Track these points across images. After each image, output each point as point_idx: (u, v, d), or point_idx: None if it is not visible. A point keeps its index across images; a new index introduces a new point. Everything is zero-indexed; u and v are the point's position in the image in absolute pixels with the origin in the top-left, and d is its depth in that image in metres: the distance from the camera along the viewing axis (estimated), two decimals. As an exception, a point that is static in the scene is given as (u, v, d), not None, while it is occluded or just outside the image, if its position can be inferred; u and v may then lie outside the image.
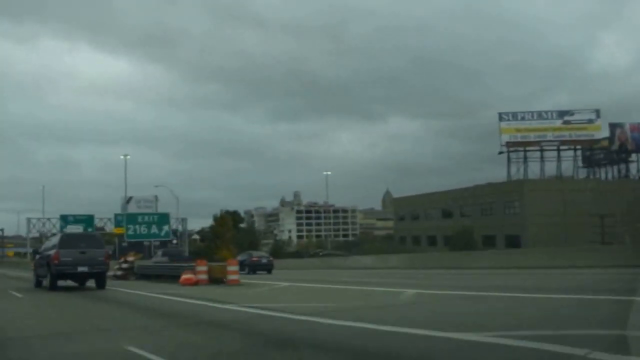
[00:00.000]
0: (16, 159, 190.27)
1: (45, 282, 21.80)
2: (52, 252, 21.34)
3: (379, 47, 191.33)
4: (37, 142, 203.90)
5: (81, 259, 21.11)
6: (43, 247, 24.88)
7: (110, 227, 65.64)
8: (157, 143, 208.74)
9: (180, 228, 71.39)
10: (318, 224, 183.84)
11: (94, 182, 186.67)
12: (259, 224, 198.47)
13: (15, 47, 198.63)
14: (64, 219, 60.71)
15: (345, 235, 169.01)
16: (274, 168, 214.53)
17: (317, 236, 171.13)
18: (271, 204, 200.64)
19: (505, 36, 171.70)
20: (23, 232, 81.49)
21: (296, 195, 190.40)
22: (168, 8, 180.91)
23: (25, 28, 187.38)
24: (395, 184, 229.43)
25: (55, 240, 22.55)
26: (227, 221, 58.41)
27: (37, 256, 24.21)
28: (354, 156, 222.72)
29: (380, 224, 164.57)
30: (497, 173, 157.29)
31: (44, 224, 63.88)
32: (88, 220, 62.06)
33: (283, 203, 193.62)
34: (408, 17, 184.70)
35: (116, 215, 66.25)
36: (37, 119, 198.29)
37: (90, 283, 22.24)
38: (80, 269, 21.10)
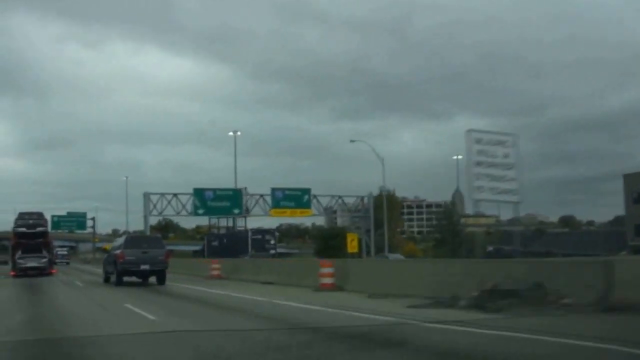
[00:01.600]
0: (85, 161, 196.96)
1: (113, 278, 25.11)
2: (118, 251, 24.57)
3: (444, 42, 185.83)
4: (104, 143, 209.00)
5: (144, 258, 24.13)
6: (112, 246, 28.36)
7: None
8: (221, 143, 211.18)
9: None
10: (411, 220, 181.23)
11: (162, 182, 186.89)
12: (343, 221, 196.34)
13: (84, 50, 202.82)
14: (199, 194, 52.55)
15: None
16: (336, 166, 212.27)
17: (411, 232, 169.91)
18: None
19: (575, 30, 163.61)
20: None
21: (382, 189, 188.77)
22: (232, 7, 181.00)
23: (93, 31, 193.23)
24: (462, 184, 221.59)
25: (121, 241, 25.92)
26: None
27: (106, 255, 27.72)
28: (417, 155, 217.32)
29: (470, 220, 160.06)
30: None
31: (169, 201, 53.08)
32: (235, 194, 54.33)
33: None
34: (474, 11, 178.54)
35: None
36: (105, 121, 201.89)
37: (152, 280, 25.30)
38: (143, 267, 24.13)
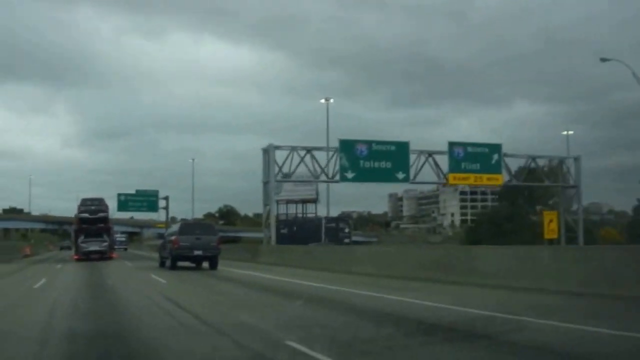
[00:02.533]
0: (145, 150, 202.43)
1: (168, 262, 26.32)
2: (173, 237, 25.71)
3: (504, 26, 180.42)
4: (164, 133, 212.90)
5: (197, 244, 25.12)
6: (166, 233, 29.64)
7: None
8: (278, 131, 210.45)
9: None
10: (484, 207, 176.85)
11: (220, 171, 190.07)
12: (410, 208, 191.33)
13: (145, 41, 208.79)
14: (347, 149, 37.48)
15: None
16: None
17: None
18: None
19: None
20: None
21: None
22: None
23: (153, 22, 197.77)
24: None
25: (175, 227, 27.06)
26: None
27: (162, 241, 29.04)
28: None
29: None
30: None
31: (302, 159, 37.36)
32: (400, 150, 38.71)
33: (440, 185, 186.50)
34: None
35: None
36: (165, 110, 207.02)
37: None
38: (196, 252, 25.14)
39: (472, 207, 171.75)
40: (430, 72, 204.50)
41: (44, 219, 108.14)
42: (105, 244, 35.98)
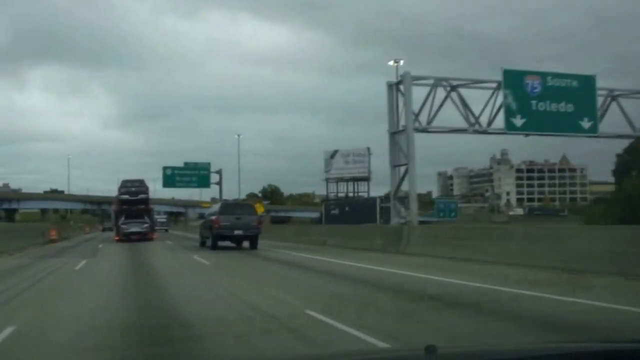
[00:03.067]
0: (185, 130, 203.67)
1: (208, 242, 26.54)
2: (213, 217, 25.86)
3: (549, 1, 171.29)
4: (201, 113, 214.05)
5: (237, 223, 25.20)
6: (207, 213, 29.87)
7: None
8: (316, 111, 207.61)
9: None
10: (541, 185, 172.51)
11: (255, 151, 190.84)
12: (461, 187, 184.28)
13: (181, 20, 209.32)
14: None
15: (572, 199, 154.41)
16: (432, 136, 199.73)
17: (540, 199, 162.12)
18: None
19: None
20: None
21: (503, 153, 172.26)
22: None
23: (189, 1, 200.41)
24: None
25: (216, 207, 27.21)
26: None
27: (202, 221, 29.26)
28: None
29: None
30: None
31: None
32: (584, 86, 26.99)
33: (493, 163, 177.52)
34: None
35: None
36: (201, 90, 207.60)
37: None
38: (236, 232, 25.24)
39: (529, 186, 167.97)
40: (471, 48, 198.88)
41: (82, 199, 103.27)
42: (146, 225, 36.30)
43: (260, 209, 34.64)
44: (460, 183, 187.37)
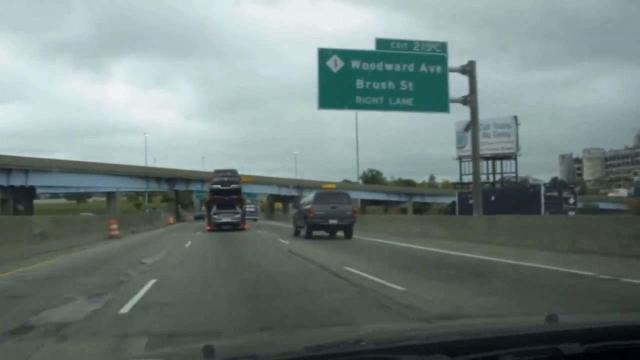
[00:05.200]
0: (266, 119, 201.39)
1: (302, 232, 26.39)
2: (308, 206, 25.72)
3: None
4: (284, 101, 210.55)
5: (332, 212, 24.99)
6: (301, 202, 29.70)
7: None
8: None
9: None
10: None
11: (340, 140, 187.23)
12: (594, 171, 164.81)
13: (261, 7, 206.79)
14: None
15: None
16: (523, 120, 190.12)
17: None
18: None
19: None
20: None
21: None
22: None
23: None
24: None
25: (310, 197, 27.00)
26: None
27: (296, 210, 29.08)
28: (616, 105, 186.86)
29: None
30: None
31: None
32: None
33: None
34: None
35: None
36: (283, 78, 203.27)
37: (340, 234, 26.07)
38: (331, 221, 25.04)
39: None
40: (567, 28, 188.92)
41: (139, 172, 72.59)
42: (238, 215, 36.38)
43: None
44: (592, 166, 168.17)
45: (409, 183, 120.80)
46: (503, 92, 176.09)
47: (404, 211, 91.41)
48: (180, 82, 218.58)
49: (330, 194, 28.42)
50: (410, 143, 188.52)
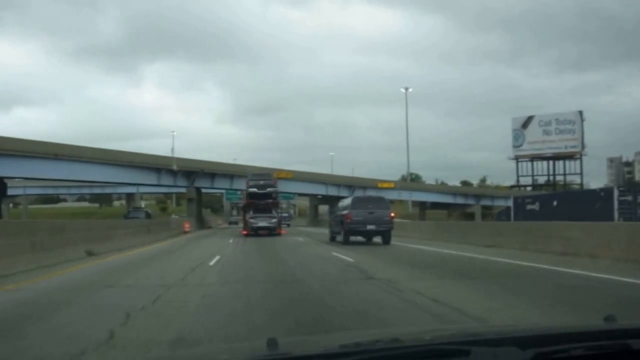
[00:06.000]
0: (297, 123, 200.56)
1: (339, 237, 25.85)
2: (345, 212, 25.25)
3: None
4: (314, 104, 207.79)
5: (370, 218, 24.55)
6: (337, 207, 29.16)
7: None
8: (430, 101, 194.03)
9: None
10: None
11: (372, 144, 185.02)
12: None
13: (290, 9, 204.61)
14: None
15: None
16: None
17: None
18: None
19: None
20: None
21: None
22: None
23: None
24: None
25: (348, 201, 26.51)
26: None
27: (332, 215, 28.54)
28: None
29: None
30: None
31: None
32: None
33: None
34: None
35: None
36: (313, 82, 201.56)
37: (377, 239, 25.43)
38: (369, 227, 24.59)
39: None
40: (604, 30, 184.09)
41: (143, 161, 56.17)
42: (274, 220, 36.05)
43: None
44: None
45: (467, 185, 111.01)
46: (536, 97, 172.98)
47: (470, 216, 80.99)
48: (210, 85, 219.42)
49: (368, 199, 27.91)
50: (445, 146, 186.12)
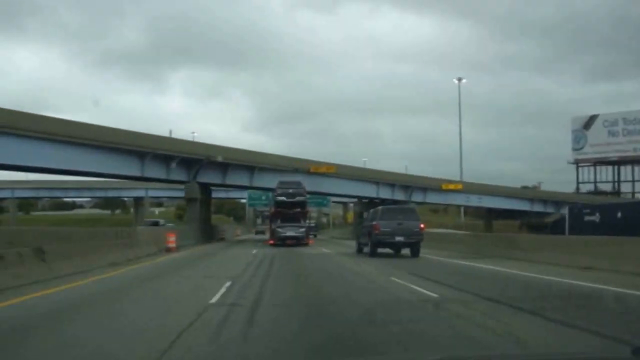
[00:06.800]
0: (322, 131, 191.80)
1: (366, 249, 25.09)
2: (373, 222, 24.54)
3: None
4: (340, 114, 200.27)
5: (398, 229, 23.89)
6: (365, 218, 28.40)
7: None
8: (462, 111, 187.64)
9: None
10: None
11: (398, 154, 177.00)
12: None
13: (317, 15, 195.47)
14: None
15: None
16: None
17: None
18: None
19: None
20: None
21: None
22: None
23: None
24: None
25: (377, 211, 25.72)
26: None
27: (360, 226, 27.80)
28: None
29: None
30: None
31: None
32: None
33: None
34: None
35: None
36: (340, 91, 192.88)
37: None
38: (397, 238, 23.96)
39: None
40: (638, 37, 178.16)
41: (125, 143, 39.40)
42: (303, 229, 35.33)
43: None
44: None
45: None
46: (567, 107, 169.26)
47: (537, 228, 61.14)
48: (235, 93, 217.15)
49: (397, 210, 27.21)
50: (478, 155, 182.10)
